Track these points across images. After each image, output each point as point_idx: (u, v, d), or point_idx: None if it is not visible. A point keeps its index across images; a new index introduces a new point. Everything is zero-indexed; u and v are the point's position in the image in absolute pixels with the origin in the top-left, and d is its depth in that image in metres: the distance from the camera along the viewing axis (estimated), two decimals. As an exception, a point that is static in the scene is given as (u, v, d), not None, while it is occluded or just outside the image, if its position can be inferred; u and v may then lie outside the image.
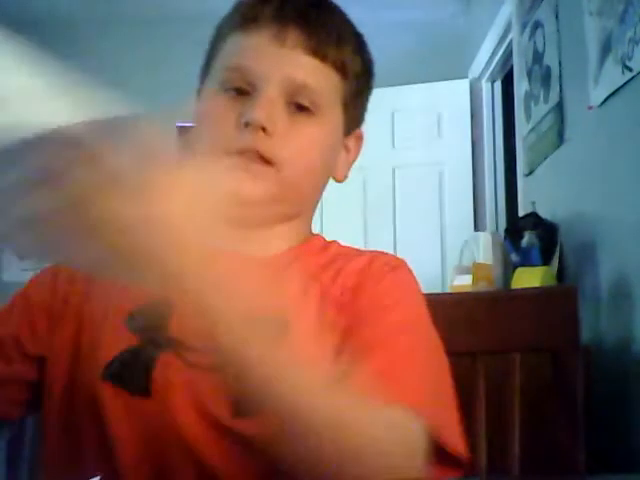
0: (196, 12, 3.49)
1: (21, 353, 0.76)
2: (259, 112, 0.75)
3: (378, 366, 0.68)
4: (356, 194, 4.04)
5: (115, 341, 0.73)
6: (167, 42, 4.26)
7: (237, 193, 0.74)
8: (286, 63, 0.78)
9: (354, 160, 0.89)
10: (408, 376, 0.69)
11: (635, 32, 1.91)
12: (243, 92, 0.78)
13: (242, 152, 0.76)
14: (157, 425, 0.70)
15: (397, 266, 0.80)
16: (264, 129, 0.75)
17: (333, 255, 0.83)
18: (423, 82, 4.08)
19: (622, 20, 2.00)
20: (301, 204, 0.84)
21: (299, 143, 0.78)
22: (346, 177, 0.88)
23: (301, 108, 0.79)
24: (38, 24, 4.40)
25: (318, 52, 0.79)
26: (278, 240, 0.82)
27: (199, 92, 0.85)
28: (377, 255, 0.82)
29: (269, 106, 0.76)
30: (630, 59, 1.94)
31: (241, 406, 0.69)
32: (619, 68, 2.01)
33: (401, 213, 4.13)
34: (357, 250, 0.85)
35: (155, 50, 4.40)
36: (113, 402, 0.70)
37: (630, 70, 1.94)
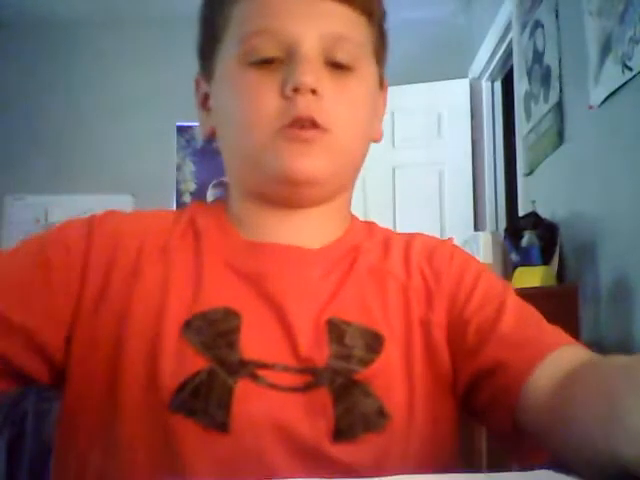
0: (196, 12, 3.48)
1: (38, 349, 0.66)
2: (306, 74, 0.67)
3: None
4: (356, 194, 4.00)
5: (178, 359, 0.64)
6: (167, 42, 4.25)
7: (297, 171, 0.68)
8: (318, 15, 0.70)
9: (383, 115, 0.80)
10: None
11: (635, 32, 1.91)
12: (273, 61, 0.69)
13: (295, 122, 0.68)
14: (237, 461, 0.61)
15: (453, 244, 0.80)
16: (314, 91, 0.67)
17: (384, 241, 0.79)
18: (423, 82, 4.08)
19: (622, 20, 2.00)
20: (353, 174, 0.77)
21: (347, 104, 0.70)
22: (382, 136, 0.79)
23: (339, 66, 0.70)
24: (38, 24, 4.41)
25: None
26: (329, 222, 0.76)
27: (208, 69, 0.75)
28: (428, 238, 0.80)
29: (314, 66, 0.68)
30: (630, 59, 1.94)
31: (344, 428, 0.63)
32: (619, 68, 2.01)
33: (401, 213, 4.13)
34: (393, 233, 0.82)
35: (155, 50, 4.40)
36: (185, 435, 0.62)
37: (630, 70, 1.95)
